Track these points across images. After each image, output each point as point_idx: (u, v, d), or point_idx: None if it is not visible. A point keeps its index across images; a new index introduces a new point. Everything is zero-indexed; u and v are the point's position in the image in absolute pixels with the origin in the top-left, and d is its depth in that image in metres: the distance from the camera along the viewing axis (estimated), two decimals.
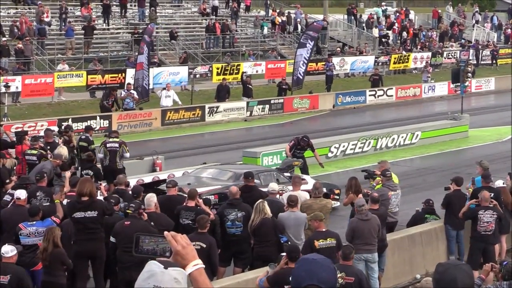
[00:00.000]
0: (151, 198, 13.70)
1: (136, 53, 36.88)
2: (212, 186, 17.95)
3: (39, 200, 14.86)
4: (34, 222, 12.77)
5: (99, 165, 19.73)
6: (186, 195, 14.64)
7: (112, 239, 12.72)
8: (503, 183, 16.40)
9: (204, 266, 3.98)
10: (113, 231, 12.77)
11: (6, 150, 19.38)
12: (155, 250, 3.97)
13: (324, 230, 12.60)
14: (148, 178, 19.62)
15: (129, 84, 34.00)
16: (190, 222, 13.74)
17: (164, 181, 18.73)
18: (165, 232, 4.02)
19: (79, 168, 19.47)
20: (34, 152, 18.92)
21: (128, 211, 13.02)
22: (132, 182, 18.02)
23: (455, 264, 4.20)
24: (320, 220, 12.65)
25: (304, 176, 19.84)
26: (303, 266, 3.97)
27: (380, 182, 16.21)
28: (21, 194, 13.76)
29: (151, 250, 3.97)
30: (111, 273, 13.58)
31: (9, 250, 11.30)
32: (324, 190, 16.56)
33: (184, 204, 14.14)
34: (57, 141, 20.34)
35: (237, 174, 18.38)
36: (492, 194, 15.58)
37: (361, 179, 16.71)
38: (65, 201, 14.06)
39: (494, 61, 54.72)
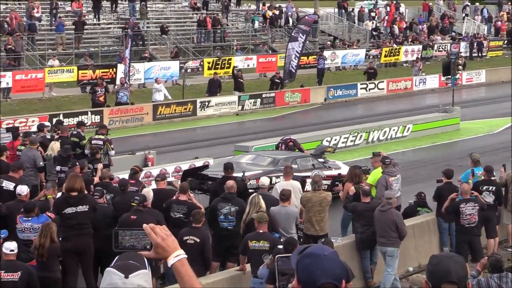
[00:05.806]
0: (148, 194, 13.67)
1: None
2: (253, 171, 18.40)
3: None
4: (30, 218, 12.72)
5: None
6: (177, 189, 14.63)
7: None
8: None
9: (186, 256, 3.92)
10: (119, 224, 12.75)
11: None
12: (136, 246, 3.92)
13: (261, 232, 12.04)
14: (199, 163, 20.51)
15: (122, 78, 33.91)
16: (182, 216, 13.70)
17: (207, 166, 19.31)
18: (144, 225, 3.96)
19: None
20: (23, 148, 18.92)
21: (132, 203, 12.99)
22: (184, 166, 20.03)
23: (449, 256, 4.19)
24: (260, 222, 12.06)
25: (337, 162, 21.06)
26: (316, 262, 3.76)
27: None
28: (22, 190, 13.65)
29: (132, 246, 3.93)
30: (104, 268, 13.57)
31: (13, 247, 11.13)
32: None
33: (175, 197, 14.10)
34: (48, 137, 20.35)
35: (276, 160, 19.27)
36: (494, 188, 15.69)
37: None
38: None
39: (480, 53, 54.74)
